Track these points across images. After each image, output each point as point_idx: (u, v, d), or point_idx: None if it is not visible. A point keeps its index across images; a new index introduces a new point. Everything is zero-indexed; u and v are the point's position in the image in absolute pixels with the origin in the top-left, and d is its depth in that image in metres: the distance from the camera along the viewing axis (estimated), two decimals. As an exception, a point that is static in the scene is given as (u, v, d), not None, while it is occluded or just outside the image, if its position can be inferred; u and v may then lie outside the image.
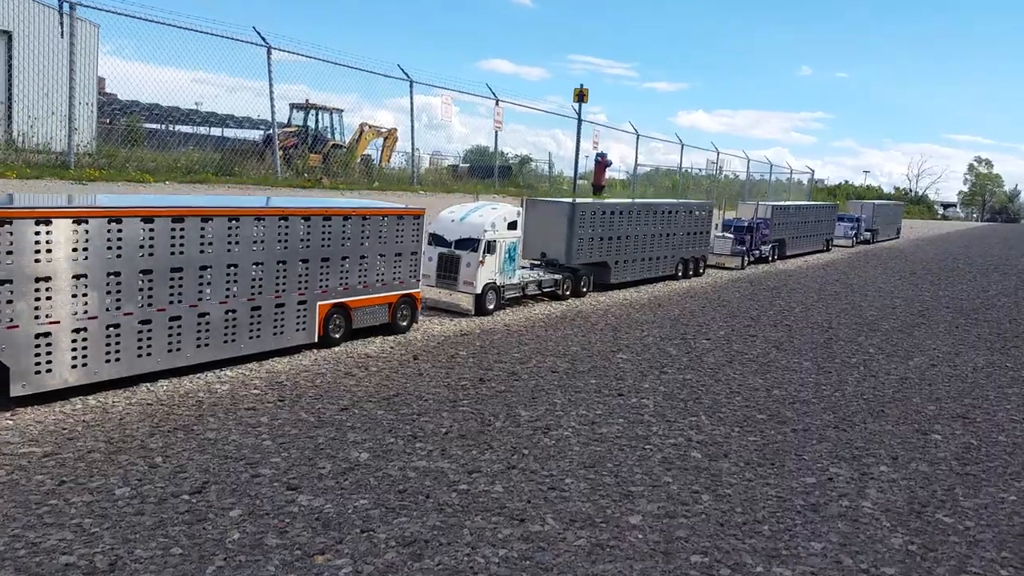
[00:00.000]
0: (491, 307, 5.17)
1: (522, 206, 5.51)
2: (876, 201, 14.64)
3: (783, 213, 10.00)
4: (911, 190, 79.55)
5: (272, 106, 23.57)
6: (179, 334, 3.24)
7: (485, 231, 5.01)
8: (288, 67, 25.14)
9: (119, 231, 2.98)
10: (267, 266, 3.57)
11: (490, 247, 5.05)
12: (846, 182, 74.57)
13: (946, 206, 79.36)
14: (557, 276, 5.95)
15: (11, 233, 2.70)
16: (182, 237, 3.19)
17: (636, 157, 41.15)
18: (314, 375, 3.51)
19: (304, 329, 3.81)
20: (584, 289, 6.26)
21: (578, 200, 6.17)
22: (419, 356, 3.97)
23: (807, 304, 6.66)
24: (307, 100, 35.54)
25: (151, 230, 3.09)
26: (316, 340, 3.89)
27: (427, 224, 4.53)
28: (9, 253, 2.71)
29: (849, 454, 2.98)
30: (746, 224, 9.09)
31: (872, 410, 3.59)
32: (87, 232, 2.90)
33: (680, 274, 7.71)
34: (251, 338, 3.56)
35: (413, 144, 31.57)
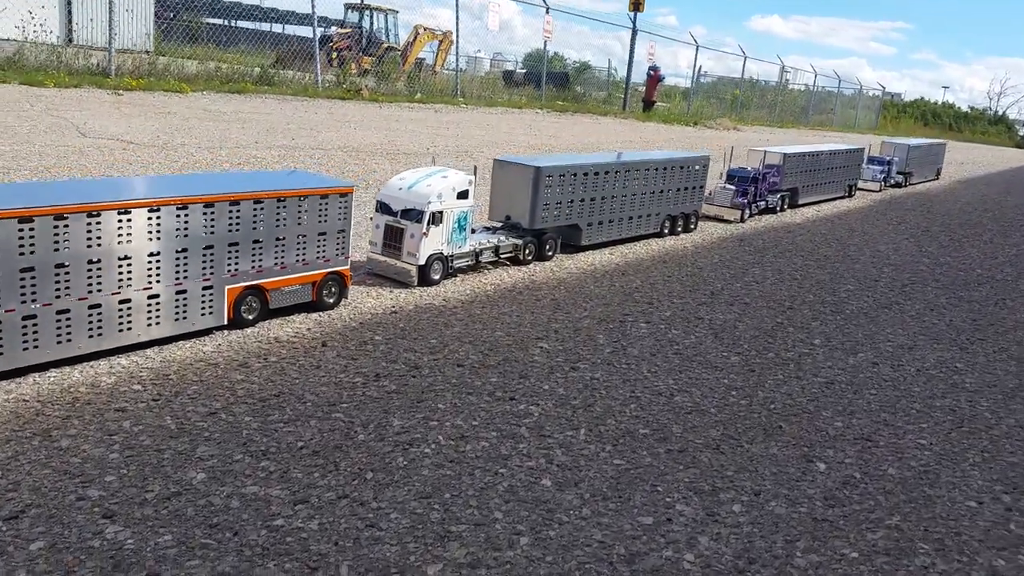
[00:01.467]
0: (436, 277, 5.13)
1: (473, 174, 5.35)
2: (912, 141, 13.87)
3: (797, 160, 9.57)
4: (991, 109, 75.46)
5: (313, 11, 23.21)
6: (68, 326, 3.30)
7: (430, 202, 4.91)
8: None
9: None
10: (165, 256, 3.57)
11: (435, 218, 4.96)
12: (922, 98, 71.06)
13: (1028, 127, 75.16)
14: (518, 241, 5.85)
15: None
16: (67, 236, 3.20)
17: (695, 69, 39.56)
18: (206, 366, 3.56)
19: (211, 313, 3.84)
20: (550, 253, 6.15)
21: (545, 163, 5.99)
22: (328, 342, 3.98)
23: (783, 273, 6.45)
24: (362, 0, 34.83)
25: (31, 230, 3.10)
26: (226, 323, 3.92)
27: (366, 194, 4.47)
28: None
29: (710, 486, 2.92)
30: (751, 174, 8.74)
31: (769, 426, 3.50)
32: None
33: (667, 231, 7.50)
34: (150, 326, 3.60)
35: (457, 56, 30.77)
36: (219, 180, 4.33)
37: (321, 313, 4.38)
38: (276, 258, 4.07)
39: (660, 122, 28.07)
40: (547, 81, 31.38)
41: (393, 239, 5.04)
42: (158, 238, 3.53)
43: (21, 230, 3.07)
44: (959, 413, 3.88)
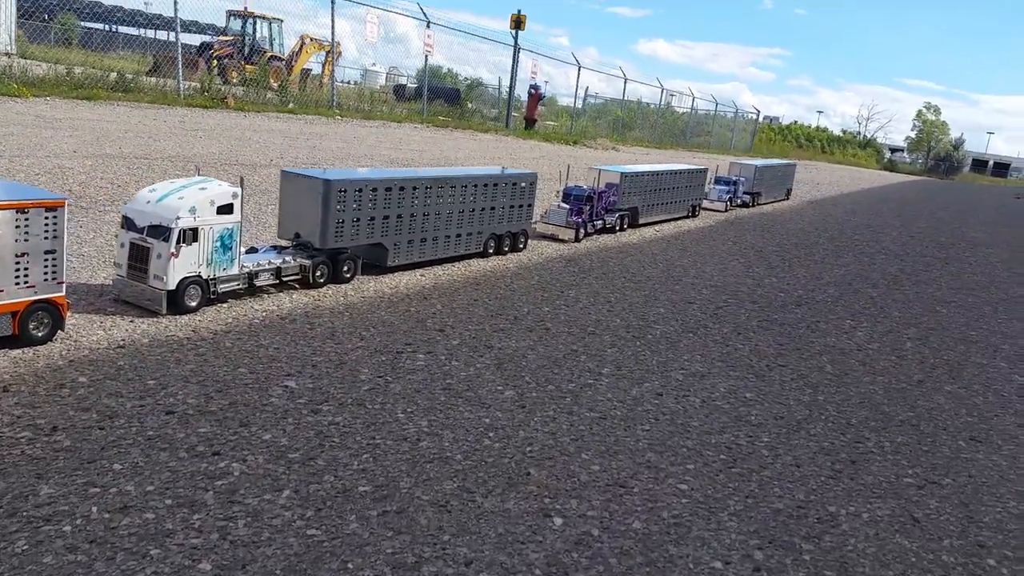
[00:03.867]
0: (193, 304, 4.52)
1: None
2: (759, 162, 14.20)
3: (635, 179, 9.44)
4: (860, 133, 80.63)
5: (176, 16, 21.85)
6: None
7: (179, 217, 4.32)
8: None
9: None
10: None
11: (186, 236, 4.36)
12: (796, 122, 75.08)
13: (893, 150, 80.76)
14: (306, 261, 5.31)
15: None
16: None
17: (577, 91, 39.98)
18: None
19: None
20: (348, 275, 5.64)
21: (337, 177, 5.48)
22: (10, 386, 3.32)
23: (598, 296, 6.17)
24: (245, 7, 33.40)
25: None
26: None
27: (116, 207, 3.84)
28: None
29: (415, 557, 2.47)
30: (586, 192, 8.52)
31: (515, 473, 3.09)
32: None
33: (492, 251, 7.13)
34: None
35: (333, 65, 29.97)
36: None
37: (26, 349, 3.71)
38: (-46, 285, 3.39)
39: (540, 140, 28.11)
40: (439, 97, 30.92)
41: (139, 260, 4.40)
42: None
43: None
44: (734, 451, 3.61)
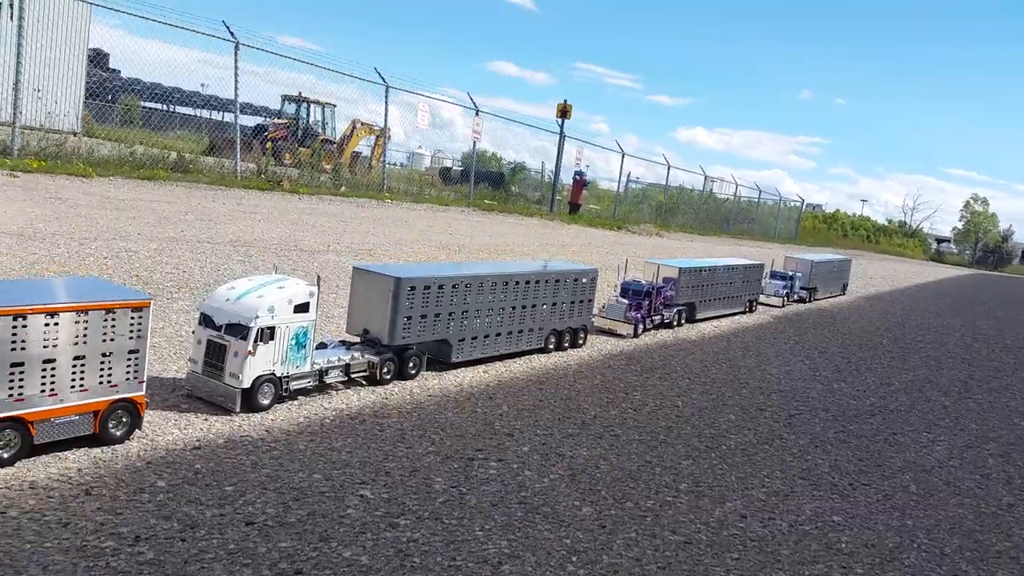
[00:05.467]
0: (266, 402, 4.50)
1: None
2: (815, 256, 14.05)
3: (693, 274, 9.37)
4: (906, 223, 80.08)
5: (236, 101, 22.79)
6: None
7: (258, 316, 4.34)
8: (288, 60, 24.37)
9: None
10: None
11: (264, 335, 4.38)
12: (838, 211, 74.78)
13: (940, 240, 79.79)
14: (374, 358, 5.29)
15: None
16: None
17: (621, 177, 40.59)
18: (-88, 527, 2.84)
19: (-56, 453, 3.13)
20: (413, 371, 5.60)
21: (407, 274, 5.51)
22: (93, 489, 3.30)
23: (664, 398, 6.02)
24: (299, 92, 34.85)
25: None
26: (-33, 463, 3.21)
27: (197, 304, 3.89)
28: None
29: None
30: (645, 287, 8.46)
31: (604, 609, 2.94)
32: None
33: (552, 347, 7.06)
34: None
35: (385, 149, 30.79)
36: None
37: (104, 449, 3.70)
38: (44, 384, 3.41)
39: (584, 225, 28.36)
40: (483, 180, 31.60)
41: (215, 357, 4.42)
42: None
43: None
44: (829, 584, 3.40)
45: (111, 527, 3.01)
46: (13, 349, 3.28)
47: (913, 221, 79.88)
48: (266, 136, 30.50)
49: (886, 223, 76.73)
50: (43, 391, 3.42)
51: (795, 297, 13.08)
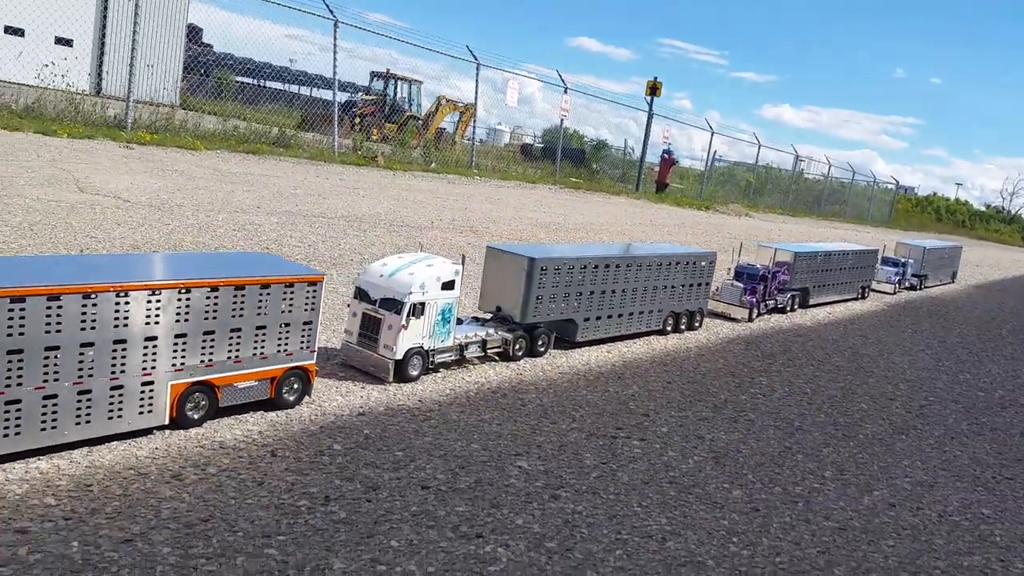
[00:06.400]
0: (415, 373, 4.71)
1: (461, 263, 4.99)
2: (928, 243, 13.56)
3: (808, 259, 9.22)
4: (1004, 208, 76.07)
5: (335, 79, 23.33)
6: (-24, 424, 2.89)
7: (411, 292, 4.54)
8: (375, 36, 24.92)
9: None
10: (100, 348, 3.18)
11: (416, 310, 4.58)
12: (934, 194, 71.49)
13: (1043, 228, 75.79)
14: (508, 335, 5.45)
15: None
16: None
17: (708, 155, 39.91)
18: (135, 475, 3.12)
19: (151, 411, 3.42)
20: (542, 349, 5.74)
21: (540, 255, 5.63)
22: (278, 451, 3.55)
23: (792, 385, 6.00)
24: (387, 69, 35.45)
25: (-63, 313, 2.72)
26: (168, 422, 3.50)
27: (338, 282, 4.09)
28: None
29: (701, 675, 2.43)
30: (760, 271, 8.37)
31: (773, 589, 3.01)
32: None
33: (670, 328, 7.09)
34: (78, 424, 3.18)
35: (474, 128, 31.05)
36: (171, 263, 3.97)
37: (279, 412, 3.95)
38: (230, 351, 3.67)
39: (672, 204, 28.01)
40: (564, 157, 31.59)
41: (370, 329, 4.64)
42: (92, 328, 3.14)
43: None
44: (991, 577, 3.38)
45: (301, 487, 3.23)
46: (206, 318, 3.53)
47: (1012, 207, 75.77)
48: (355, 112, 31.14)
49: (984, 208, 72.99)
50: (229, 358, 3.68)
51: (906, 284, 12.69)
